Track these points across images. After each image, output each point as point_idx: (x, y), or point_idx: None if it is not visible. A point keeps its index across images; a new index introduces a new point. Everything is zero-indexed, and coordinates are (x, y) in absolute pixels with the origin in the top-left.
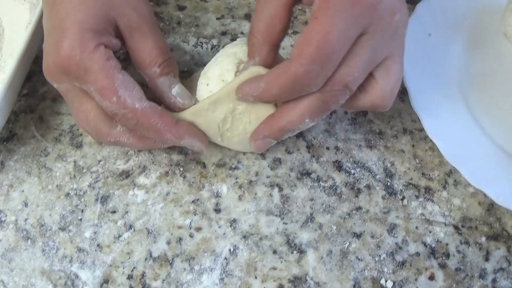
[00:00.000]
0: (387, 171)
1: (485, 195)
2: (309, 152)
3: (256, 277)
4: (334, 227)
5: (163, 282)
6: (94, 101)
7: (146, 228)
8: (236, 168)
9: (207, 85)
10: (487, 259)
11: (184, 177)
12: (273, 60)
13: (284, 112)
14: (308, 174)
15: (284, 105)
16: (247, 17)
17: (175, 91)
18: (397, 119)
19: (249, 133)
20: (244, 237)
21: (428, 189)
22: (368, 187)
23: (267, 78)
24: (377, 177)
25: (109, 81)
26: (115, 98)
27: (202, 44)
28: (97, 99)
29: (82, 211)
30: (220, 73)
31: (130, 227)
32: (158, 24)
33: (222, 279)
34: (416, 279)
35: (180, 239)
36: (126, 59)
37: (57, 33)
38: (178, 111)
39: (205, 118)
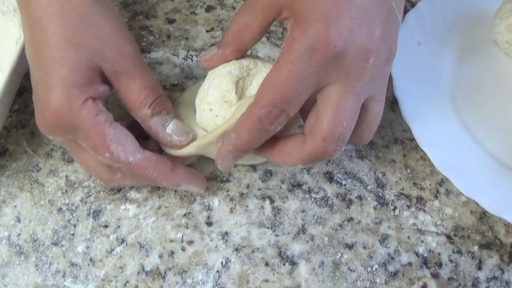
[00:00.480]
0: (378, 182)
1: (477, 203)
2: None
3: None
4: (326, 239)
5: None
6: None
7: (138, 242)
8: (228, 180)
9: (211, 110)
10: (480, 268)
11: (175, 190)
12: (234, 58)
13: (283, 155)
14: (299, 185)
15: (283, 147)
16: None
17: (170, 129)
18: (388, 129)
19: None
20: (236, 249)
21: (419, 199)
22: (360, 197)
23: (235, 129)
24: (369, 187)
25: (100, 138)
26: (108, 154)
27: (192, 57)
28: (91, 153)
29: (75, 226)
30: (222, 95)
31: (122, 241)
32: (145, 64)
33: None
34: None
35: (172, 252)
36: None
37: (43, 90)
38: (176, 149)
39: (214, 149)
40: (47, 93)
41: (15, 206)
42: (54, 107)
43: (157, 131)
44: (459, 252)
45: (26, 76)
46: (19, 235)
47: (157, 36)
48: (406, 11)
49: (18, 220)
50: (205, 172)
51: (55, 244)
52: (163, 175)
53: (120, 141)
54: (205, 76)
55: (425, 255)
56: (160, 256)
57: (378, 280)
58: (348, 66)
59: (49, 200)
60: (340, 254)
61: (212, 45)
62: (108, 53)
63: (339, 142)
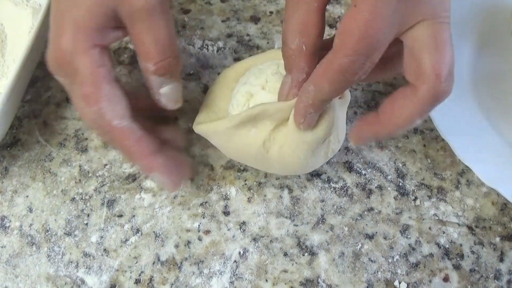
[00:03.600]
0: (398, 172)
1: (498, 195)
2: None
3: (267, 280)
4: (346, 229)
5: (171, 286)
6: None
7: (154, 232)
8: (245, 170)
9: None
10: (501, 260)
11: (192, 180)
12: (312, 68)
13: (394, 117)
14: (318, 175)
15: (392, 108)
16: (253, 19)
17: (164, 90)
18: None
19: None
20: (254, 239)
21: (440, 189)
22: (380, 187)
23: (313, 80)
24: (389, 177)
25: (94, 89)
26: (96, 108)
27: (208, 46)
28: (81, 103)
29: (88, 215)
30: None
31: (137, 231)
32: (168, 15)
33: (232, 283)
34: (430, 281)
35: (189, 242)
36: None
37: (55, 29)
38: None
39: (222, 138)
40: (58, 32)
41: (27, 196)
42: (61, 47)
43: (151, 85)
44: (481, 243)
45: (39, 66)
46: (31, 225)
47: None
48: None
49: (30, 210)
50: (222, 161)
51: (68, 234)
52: (140, 153)
53: (111, 101)
54: (220, 66)
55: (447, 246)
56: (176, 246)
57: (399, 271)
58: (431, 2)
59: (62, 190)
60: (360, 245)
61: (228, 34)
62: None
63: (450, 76)
